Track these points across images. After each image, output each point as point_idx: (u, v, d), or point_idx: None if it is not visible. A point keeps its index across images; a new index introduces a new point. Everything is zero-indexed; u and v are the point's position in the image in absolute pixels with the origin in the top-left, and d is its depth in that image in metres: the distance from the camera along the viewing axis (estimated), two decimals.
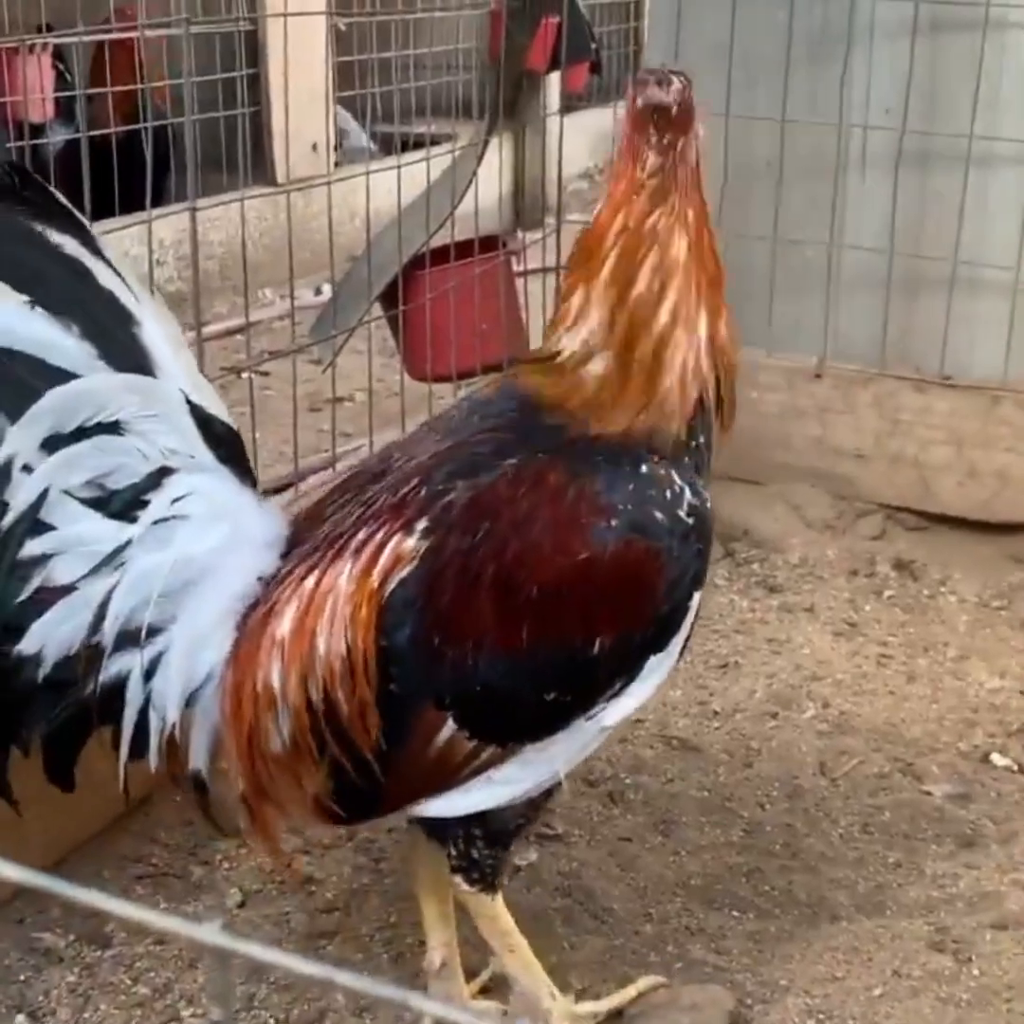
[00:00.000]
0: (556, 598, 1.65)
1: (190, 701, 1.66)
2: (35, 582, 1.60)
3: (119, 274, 1.63)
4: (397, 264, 3.15)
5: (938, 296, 3.42)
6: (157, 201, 5.30)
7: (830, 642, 3.05)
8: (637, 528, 1.66)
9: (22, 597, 1.59)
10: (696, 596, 1.73)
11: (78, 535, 1.60)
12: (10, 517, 1.58)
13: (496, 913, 1.84)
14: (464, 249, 3.36)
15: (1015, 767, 2.60)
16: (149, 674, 1.63)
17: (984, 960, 2.13)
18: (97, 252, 1.63)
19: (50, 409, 1.57)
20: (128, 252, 5.11)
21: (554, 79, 6.42)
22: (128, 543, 1.61)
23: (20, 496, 1.58)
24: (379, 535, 1.66)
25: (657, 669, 1.73)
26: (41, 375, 1.59)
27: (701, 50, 3.59)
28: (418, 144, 4.36)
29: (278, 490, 3.03)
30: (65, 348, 1.60)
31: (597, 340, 1.75)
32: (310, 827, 1.85)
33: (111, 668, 1.63)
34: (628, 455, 1.70)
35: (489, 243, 3.44)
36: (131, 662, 1.63)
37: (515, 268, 3.62)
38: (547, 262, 3.90)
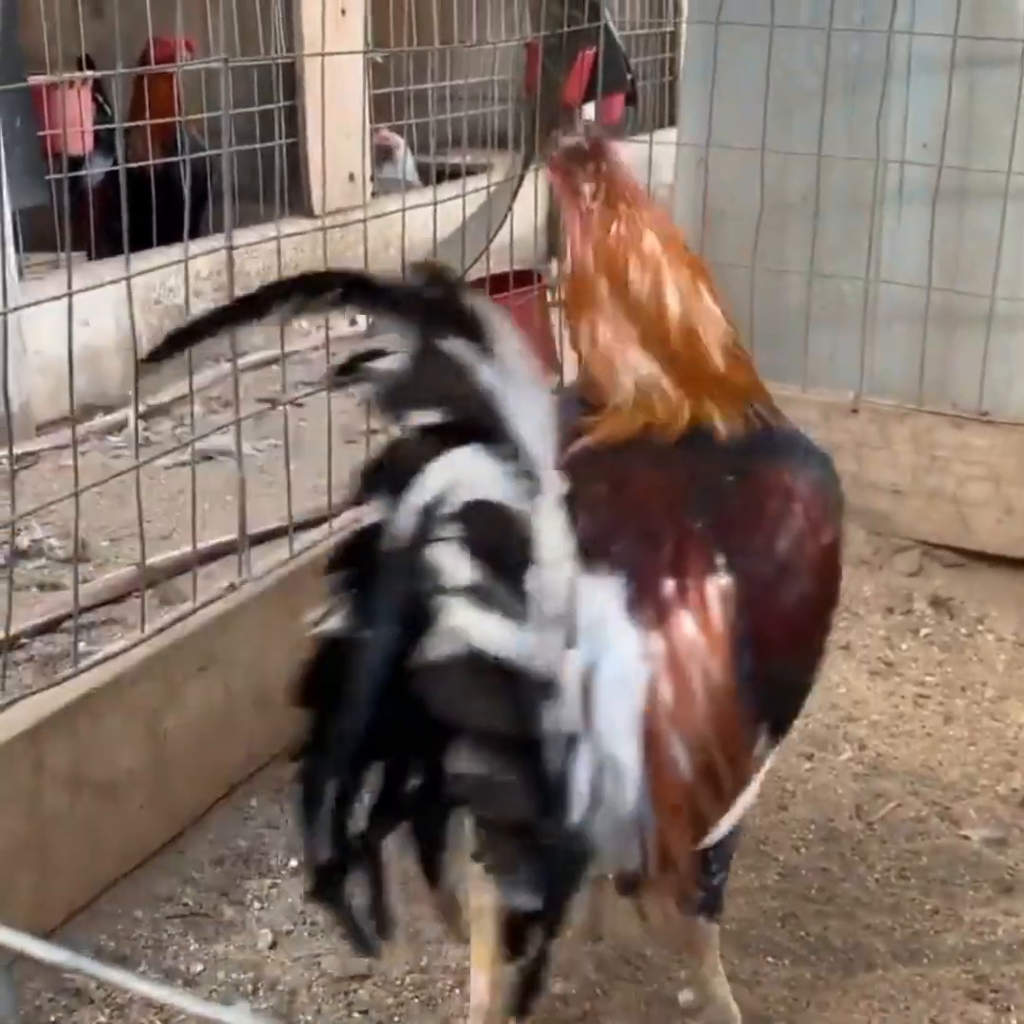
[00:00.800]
0: (827, 586, 1.75)
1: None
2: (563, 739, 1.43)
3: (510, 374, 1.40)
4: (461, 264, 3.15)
5: (976, 331, 3.40)
6: (195, 231, 5.35)
7: (866, 681, 3.02)
8: (839, 507, 1.78)
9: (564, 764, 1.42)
10: None
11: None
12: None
13: (716, 947, 1.94)
14: (499, 282, 3.37)
15: None
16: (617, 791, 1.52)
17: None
18: (489, 349, 1.39)
19: (550, 567, 1.37)
20: (166, 283, 5.17)
21: (590, 110, 6.45)
22: (579, 665, 1.46)
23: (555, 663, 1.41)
24: (691, 582, 1.64)
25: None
26: (507, 525, 1.38)
27: (737, 83, 3.59)
28: (454, 174, 4.39)
29: (312, 524, 3.03)
30: (508, 487, 1.39)
31: (635, 358, 1.79)
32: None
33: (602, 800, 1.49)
34: (780, 432, 1.81)
35: (524, 277, 3.45)
36: (610, 787, 1.50)
37: (549, 301, 3.63)
38: None
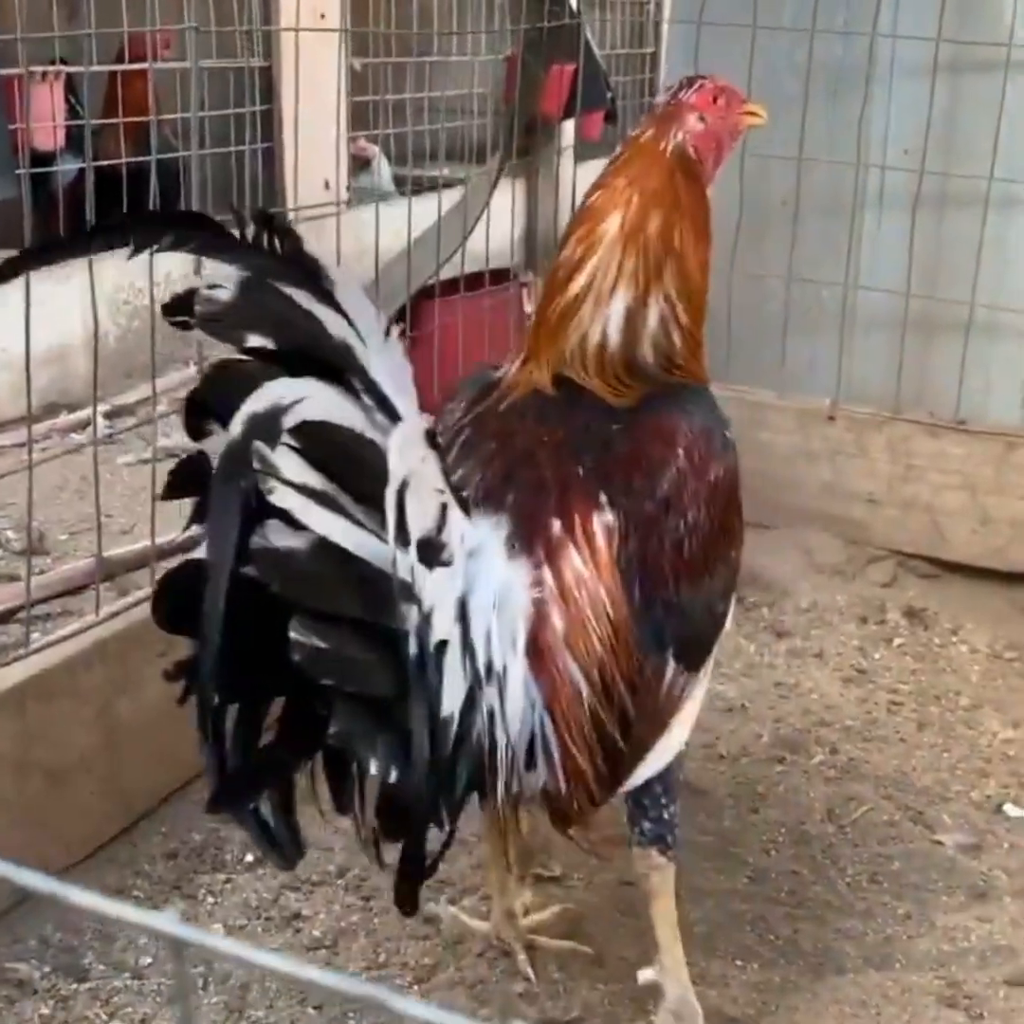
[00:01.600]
0: (718, 517, 1.85)
1: (523, 715, 1.69)
2: (433, 640, 1.53)
3: (348, 319, 1.52)
4: (406, 294, 3.10)
5: (954, 339, 3.37)
6: None
7: (839, 688, 2.97)
8: (728, 445, 1.88)
9: (431, 661, 1.53)
10: None
11: (433, 592, 1.53)
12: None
13: (672, 892, 1.93)
14: (475, 282, 3.32)
15: None
16: (502, 702, 1.65)
17: (997, 1017, 2.05)
18: (329, 301, 1.51)
19: (394, 484, 1.47)
20: (135, 284, 5.10)
21: (569, 126, 6.43)
22: (460, 590, 1.59)
23: (408, 569, 1.50)
24: (578, 519, 1.77)
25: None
26: (361, 448, 1.49)
27: None
28: (432, 187, 4.34)
29: None
30: (359, 418, 1.51)
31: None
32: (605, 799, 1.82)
33: (484, 706, 1.62)
34: (689, 393, 1.90)
35: (500, 276, 3.40)
36: (492, 696, 1.63)
37: (525, 303, 3.58)
38: None
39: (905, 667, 3.09)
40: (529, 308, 3.65)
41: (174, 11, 5.34)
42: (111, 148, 5.13)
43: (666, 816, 1.88)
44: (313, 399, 1.46)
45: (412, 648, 1.50)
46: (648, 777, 1.84)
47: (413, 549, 1.49)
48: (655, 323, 1.88)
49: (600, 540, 1.76)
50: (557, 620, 1.71)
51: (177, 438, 4.38)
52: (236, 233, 1.52)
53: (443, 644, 1.53)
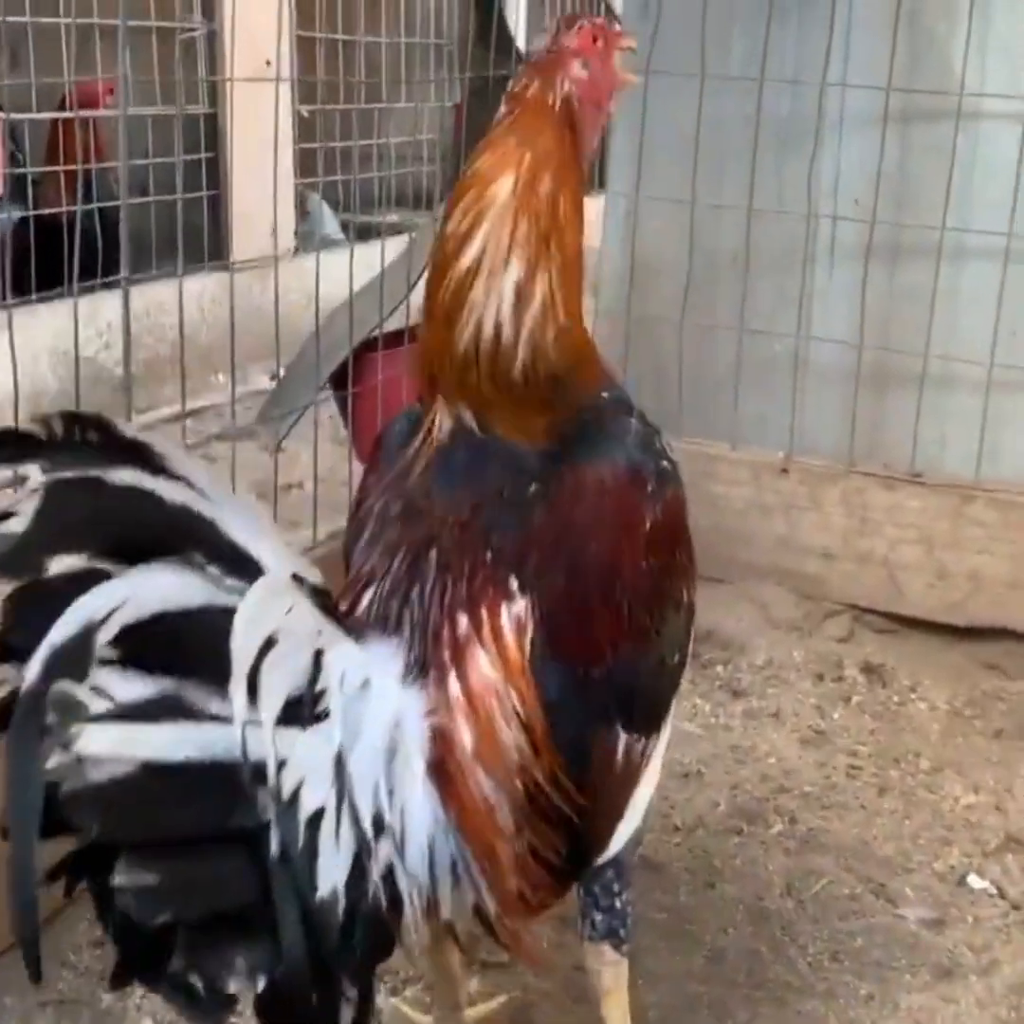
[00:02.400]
0: (660, 564, 1.69)
1: (434, 850, 1.56)
2: (302, 818, 1.40)
3: (185, 479, 1.40)
4: (348, 346, 3.02)
5: (908, 391, 3.32)
6: (107, 286, 5.20)
7: (797, 751, 2.89)
8: (664, 481, 1.70)
9: (301, 843, 1.40)
10: None
11: (304, 760, 1.41)
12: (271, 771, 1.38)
13: (625, 987, 1.82)
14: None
15: (993, 890, 2.44)
16: (401, 852, 1.52)
17: None
18: (159, 469, 1.38)
19: (240, 656, 1.35)
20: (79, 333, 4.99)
21: None
22: (337, 746, 1.45)
23: (264, 749, 1.37)
24: (485, 615, 1.62)
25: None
26: (192, 624, 1.37)
27: (668, 139, 3.52)
28: (379, 233, 4.27)
29: None
30: (200, 589, 1.38)
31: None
32: (551, 902, 1.71)
33: (378, 864, 1.48)
34: (611, 424, 1.71)
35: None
36: (387, 850, 1.49)
37: None
38: None
39: (864, 727, 3.02)
40: None
41: (116, 59, 5.27)
42: (52, 196, 5.05)
43: (618, 905, 1.76)
44: (138, 596, 1.31)
45: (274, 839, 1.35)
46: (613, 853, 1.73)
47: (271, 720, 1.35)
48: (540, 303, 1.66)
49: (508, 635, 1.61)
50: (464, 738, 1.57)
51: None
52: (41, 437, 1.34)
53: (317, 816, 1.40)
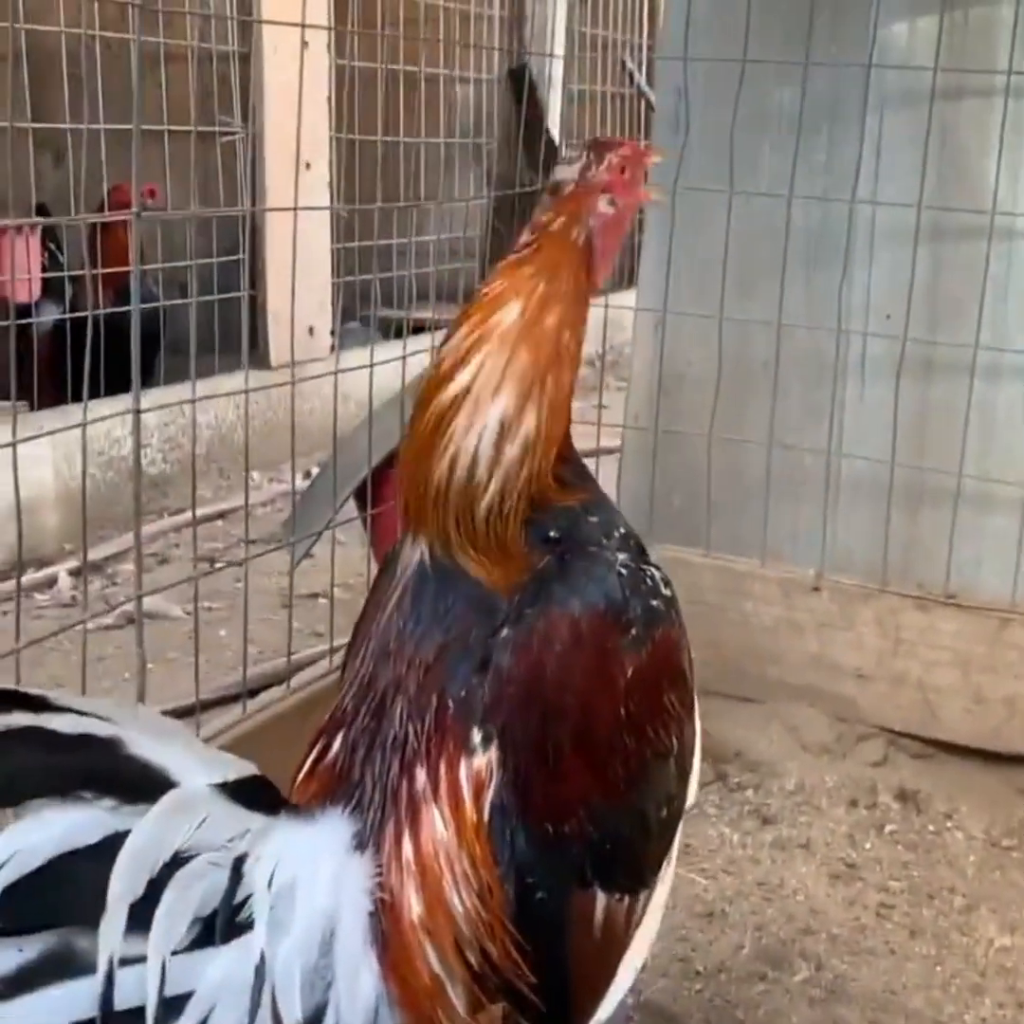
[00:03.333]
0: (630, 720, 1.60)
1: None
2: None
3: (78, 710, 1.40)
4: (368, 464, 3.00)
5: (942, 510, 3.24)
6: (146, 380, 5.22)
7: (826, 887, 2.79)
8: (652, 622, 1.62)
9: None
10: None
11: (216, 982, 1.38)
12: (151, 1015, 1.34)
13: None
14: None
15: None
16: None
17: None
18: (45, 706, 1.38)
19: (119, 893, 1.33)
20: (111, 434, 5.02)
21: None
22: (259, 954, 1.41)
23: (147, 991, 1.33)
24: (443, 770, 1.55)
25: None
26: (95, 861, 1.34)
27: (696, 248, 3.49)
28: (420, 329, 4.26)
29: (230, 700, 2.82)
30: (90, 822, 1.36)
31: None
32: None
33: None
34: (599, 573, 1.62)
35: None
36: None
37: None
38: None
39: (897, 859, 2.92)
40: None
41: (158, 161, 5.34)
42: (90, 297, 5.09)
43: None
44: (17, 852, 1.29)
45: None
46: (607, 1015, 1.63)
47: (161, 954, 1.31)
48: (523, 440, 1.60)
49: (465, 793, 1.54)
50: (411, 907, 1.50)
51: (150, 601, 4.27)
52: None
53: None
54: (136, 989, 1.31)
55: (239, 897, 1.39)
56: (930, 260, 3.22)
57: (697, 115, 3.47)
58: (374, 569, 3.32)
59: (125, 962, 1.31)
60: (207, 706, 2.76)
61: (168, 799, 1.36)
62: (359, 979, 1.47)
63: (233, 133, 5.45)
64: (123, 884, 1.31)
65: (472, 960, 1.52)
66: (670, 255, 3.44)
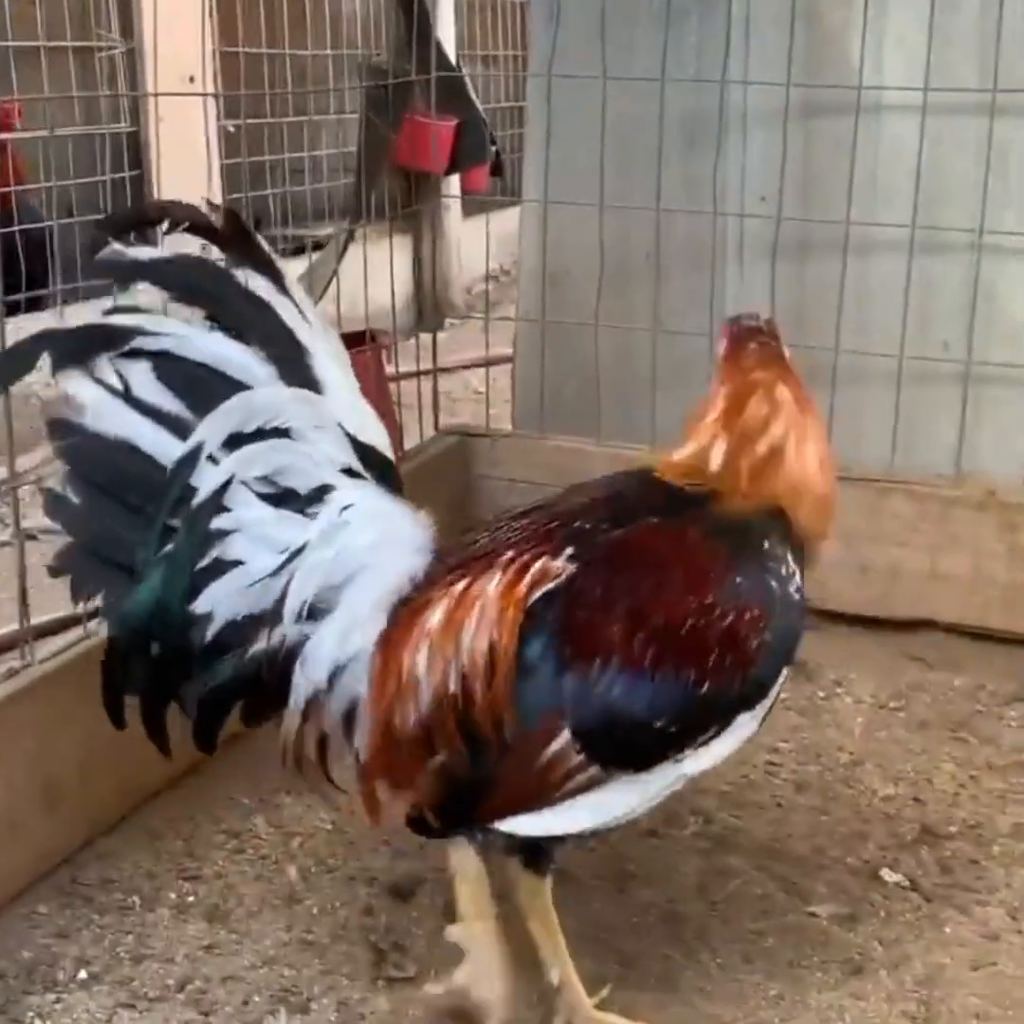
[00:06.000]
0: (678, 634, 1.80)
1: (337, 673, 1.85)
2: (214, 554, 1.86)
3: (302, 313, 1.97)
4: None
5: (821, 387, 3.30)
6: (34, 305, 5.14)
7: None
8: (756, 593, 1.84)
9: (202, 564, 1.85)
10: (785, 671, 1.91)
11: (254, 519, 1.87)
12: (199, 497, 1.83)
13: (546, 891, 2.01)
14: None
15: (906, 883, 2.43)
16: (305, 645, 1.85)
17: None
18: (284, 291, 1.96)
19: (234, 409, 1.85)
20: None
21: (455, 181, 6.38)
22: (300, 534, 1.86)
23: (207, 481, 1.84)
24: (528, 555, 1.83)
25: (741, 728, 1.88)
26: (230, 386, 1.89)
27: (574, 140, 3.50)
28: (317, 246, 4.24)
29: None
30: (250, 367, 1.91)
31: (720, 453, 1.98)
32: (399, 829, 1.95)
33: (272, 638, 1.84)
34: (756, 532, 1.91)
35: (357, 338, 3.30)
36: (290, 633, 1.84)
37: (386, 364, 3.49)
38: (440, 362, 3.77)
39: (787, 723, 3.01)
40: (390, 369, 3.56)
41: (37, 79, 5.24)
42: None
43: (545, 860, 1.96)
44: (194, 340, 1.93)
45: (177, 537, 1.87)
46: (519, 833, 1.86)
47: (227, 468, 1.86)
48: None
49: (531, 574, 1.80)
50: (432, 618, 1.82)
51: (41, 518, 4.24)
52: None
53: (232, 564, 1.86)
54: (197, 474, 1.85)
55: (314, 495, 1.89)
56: (802, 139, 3.26)
57: (571, 3, 3.47)
58: None
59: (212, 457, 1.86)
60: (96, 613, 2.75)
61: (306, 393, 1.91)
62: (355, 628, 1.85)
63: (113, 47, 5.35)
64: (235, 408, 1.87)
65: (450, 685, 1.79)
66: (548, 146, 3.45)
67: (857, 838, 2.57)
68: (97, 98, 5.37)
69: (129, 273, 1.98)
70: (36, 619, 2.78)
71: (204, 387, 1.88)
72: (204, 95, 3.30)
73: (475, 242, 6.02)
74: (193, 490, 1.84)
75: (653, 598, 1.81)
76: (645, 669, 1.78)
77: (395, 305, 4.38)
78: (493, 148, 4.75)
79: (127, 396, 1.89)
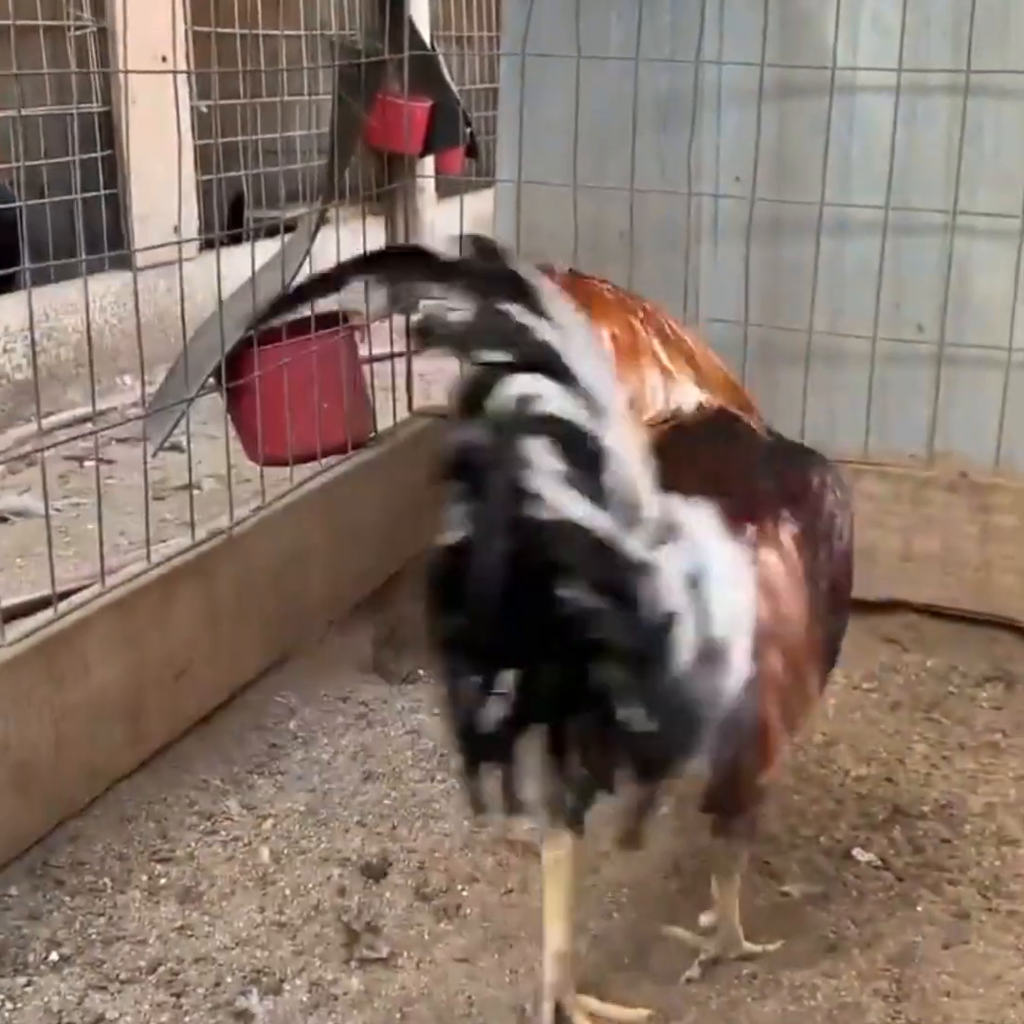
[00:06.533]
0: (850, 558, 2.11)
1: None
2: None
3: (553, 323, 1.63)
4: (222, 349, 2.98)
5: (795, 367, 3.31)
6: (8, 285, 5.11)
7: None
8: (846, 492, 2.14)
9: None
10: None
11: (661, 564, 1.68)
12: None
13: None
14: (302, 328, 3.20)
15: (879, 862, 2.44)
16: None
17: None
18: (537, 310, 1.64)
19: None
20: None
21: (429, 162, 6.34)
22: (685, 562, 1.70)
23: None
24: (768, 526, 1.91)
25: None
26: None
27: (548, 120, 3.49)
28: (289, 228, 4.21)
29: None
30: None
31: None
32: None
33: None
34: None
35: (329, 319, 3.28)
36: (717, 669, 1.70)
37: (359, 346, 3.47)
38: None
39: None
40: (364, 352, 3.54)
41: (6, 58, 5.18)
42: None
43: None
44: (545, 395, 1.58)
45: (651, 618, 1.61)
46: None
47: (641, 526, 1.62)
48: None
49: (791, 548, 1.91)
50: (764, 612, 1.80)
51: (10, 499, 4.22)
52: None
53: (673, 615, 1.64)
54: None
55: (663, 515, 1.68)
56: (776, 119, 3.25)
57: None
58: (242, 459, 3.32)
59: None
60: (65, 595, 2.73)
61: (621, 426, 1.63)
62: (735, 635, 1.71)
63: (83, 26, 5.31)
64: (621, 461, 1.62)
65: (794, 671, 1.86)
66: (521, 125, 3.44)
67: (830, 818, 2.58)
68: (69, 77, 5.32)
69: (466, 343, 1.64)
70: (5, 601, 2.78)
71: (573, 444, 1.63)
72: (175, 72, 3.26)
73: (449, 223, 6.00)
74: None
75: (833, 538, 2.05)
76: (845, 595, 2.14)
77: (368, 285, 4.36)
78: (468, 130, 4.73)
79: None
